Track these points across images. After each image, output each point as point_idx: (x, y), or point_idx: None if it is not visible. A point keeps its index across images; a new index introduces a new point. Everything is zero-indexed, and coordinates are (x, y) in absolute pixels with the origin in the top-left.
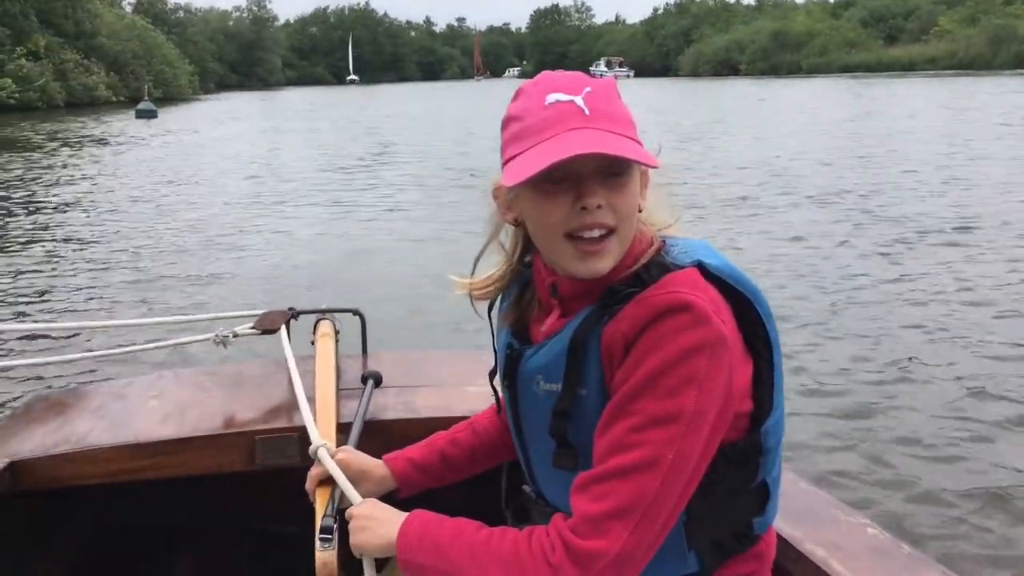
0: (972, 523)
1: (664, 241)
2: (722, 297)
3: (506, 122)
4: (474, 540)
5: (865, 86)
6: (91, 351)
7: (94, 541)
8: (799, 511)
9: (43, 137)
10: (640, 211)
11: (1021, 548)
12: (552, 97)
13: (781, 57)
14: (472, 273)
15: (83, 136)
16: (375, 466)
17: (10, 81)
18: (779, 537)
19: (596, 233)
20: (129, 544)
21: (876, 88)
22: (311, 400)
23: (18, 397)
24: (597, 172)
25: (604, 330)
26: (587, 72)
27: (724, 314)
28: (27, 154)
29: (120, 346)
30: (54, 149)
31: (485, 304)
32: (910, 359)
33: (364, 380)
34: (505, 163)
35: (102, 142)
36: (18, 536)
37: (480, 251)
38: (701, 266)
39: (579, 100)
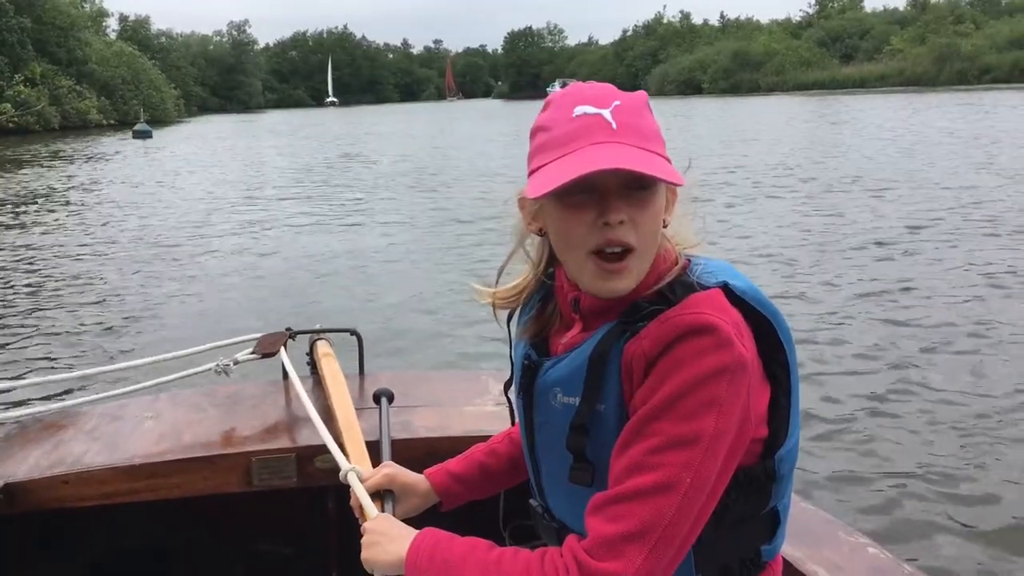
0: (972, 544)
1: (689, 260)
2: (744, 320)
3: (534, 132)
4: (486, 560)
5: (816, 103)
6: (89, 396)
7: (91, 563)
8: (800, 531)
9: (48, 156)
10: (665, 226)
11: (1020, 567)
12: (580, 109)
13: (741, 76)
14: (496, 282)
15: (94, 154)
16: (419, 481)
17: (10, 106)
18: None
19: (618, 249)
20: (126, 566)
21: (826, 104)
22: (320, 420)
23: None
24: (622, 187)
25: (625, 347)
26: (544, 92)
27: (746, 337)
28: (37, 170)
29: (120, 384)
30: (63, 165)
31: (504, 314)
32: (912, 374)
33: (376, 399)
34: (531, 173)
35: (108, 160)
36: (15, 558)
37: (505, 260)
38: (727, 287)
39: (607, 113)
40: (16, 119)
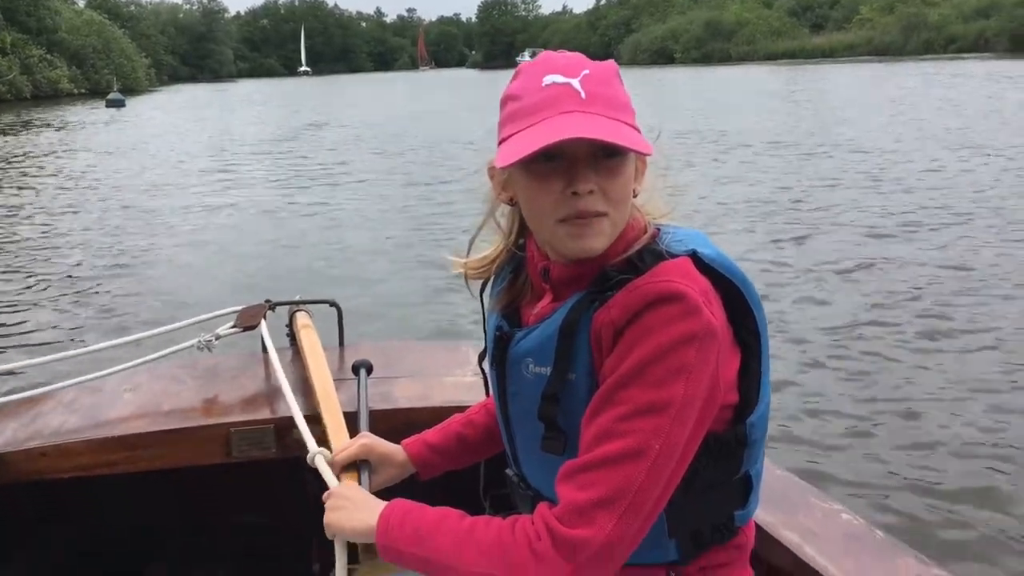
0: (949, 511)
1: (658, 229)
2: (713, 288)
3: (504, 101)
4: (457, 528)
5: (788, 71)
6: (66, 391)
7: (71, 534)
8: (774, 497)
9: (23, 125)
10: (635, 196)
11: (998, 537)
12: (549, 79)
13: (713, 46)
14: (468, 253)
15: (67, 123)
16: (396, 451)
17: None
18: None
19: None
20: (105, 538)
21: (796, 73)
22: (296, 392)
23: None
24: (590, 157)
25: (595, 316)
26: (516, 63)
27: (715, 305)
28: (11, 139)
29: (100, 366)
30: (37, 134)
31: (477, 285)
32: (889, 346)
33: (355, 369)
34: (501, 142)
35: (82, 128)
36: None
37: (476, 230)
38: (695, 255)
39: (576, 83)
40: None
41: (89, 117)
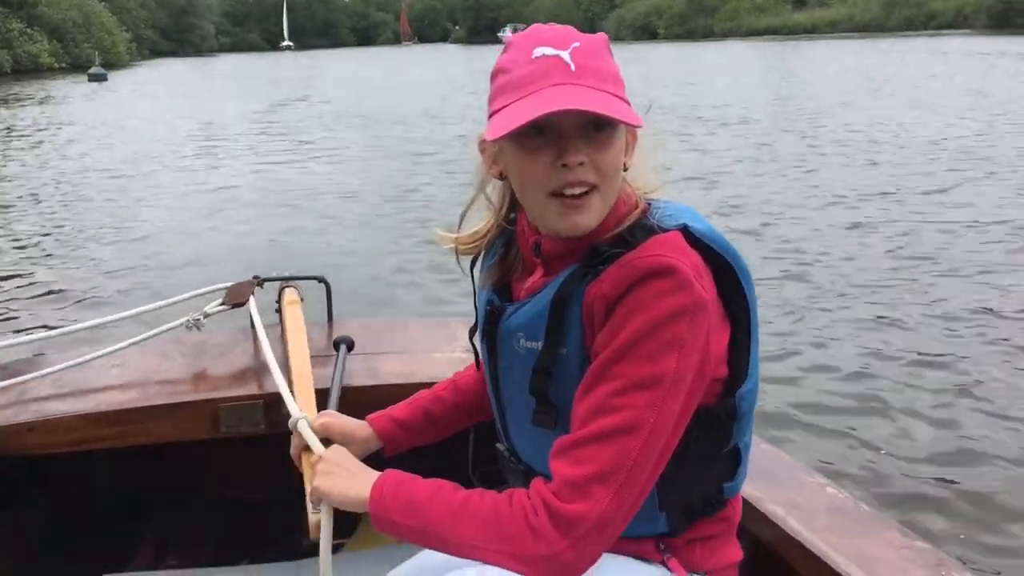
0: (933, 488)
1: (649, 204)
2: (704, 262)
3: (494, 74)
4: (452, 500)
5: (770, 47)
6: (54, 366)
7: (59, 509)
8: (759, 471)
9: (2, 101)
10: (625, 170)
11: (982, 514)
12: (539, 51)
13: (696, 22)
14: (459, 227)
15: (51, 96)
16: (358, 427)
17: None
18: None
19: (578, 191)
20: (95, 512)
21: (773, 50)
22: (282, 367)
23: None
24: (580, 129)
25: (586, 290)
26: (497, 39)
27: (705, 279)
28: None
29: (88, 346)
30: (20, 108)
31: (468, 260)
32: (878, 327)
33: (336, 346)
34: (491, 116)
35: (67, 100)
36: None
37: (467, 205)
38: (686, 230)
39: (565, 55)
40: None
41: (72, 91)
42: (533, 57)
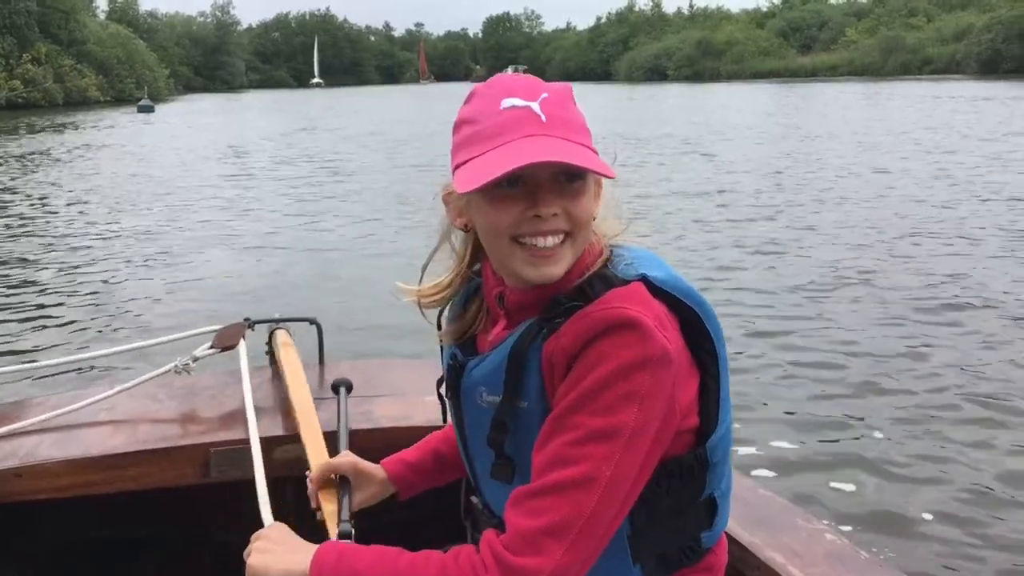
0: (931, 534)
1: (612, 252)
2: (668, 311)
3: (458, 125)
4: (396, 566)
5: (769, 88)
6: (43, 412)
7: (51, 555)
8: (758, 518)
9: (54, 128)
10: (593, 219)
11: (981, 559)
12: (508, 102)
13: (704, 64)
14: (420, 280)
15: (109, 126)
16: (376, 470)
17: (19, 83)
18: (738, 544)
19: (550, 242)
20: (87, 558)
21: (774, 91)
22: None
23: None
24: (553, 180)
25: (545, 344)
26: None
27: (669, 329)
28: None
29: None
30: (78, 136)
31: (435, 313)
32: (872, 366)
33: (335, 388)
34: (456, 167)
35: (125, 129)
36: None
37: (428, 257)
38: (646, 280)
39: (535, 106)
40: (25, 95)
41: (122, 121)
42: (502, 108)
